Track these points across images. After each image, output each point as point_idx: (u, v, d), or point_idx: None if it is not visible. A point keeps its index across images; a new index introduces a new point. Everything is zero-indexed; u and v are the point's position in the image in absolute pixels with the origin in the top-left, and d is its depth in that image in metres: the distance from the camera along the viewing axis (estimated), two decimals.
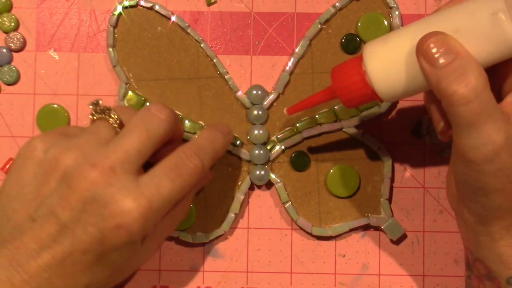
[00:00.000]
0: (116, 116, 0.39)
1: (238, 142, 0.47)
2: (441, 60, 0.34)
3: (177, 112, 0.46)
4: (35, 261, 0.35)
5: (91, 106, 0.40)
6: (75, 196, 0.36)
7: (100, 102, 0.40)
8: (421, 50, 0.35)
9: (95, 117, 0.40)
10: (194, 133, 0.46)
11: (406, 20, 0.47)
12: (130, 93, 0.46)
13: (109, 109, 0.40)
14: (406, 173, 0.47)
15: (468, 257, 0.40)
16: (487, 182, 0.35)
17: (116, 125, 0.39)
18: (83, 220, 0.36)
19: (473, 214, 0.38)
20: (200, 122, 0.47)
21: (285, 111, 0.43)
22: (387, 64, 0.37)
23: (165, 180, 0.38)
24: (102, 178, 0.36)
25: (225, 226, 0.46)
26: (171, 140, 0.41)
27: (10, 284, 0.35)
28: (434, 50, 0.34)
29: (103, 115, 0.39)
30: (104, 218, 0.36)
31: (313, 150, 0.47)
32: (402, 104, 0.47)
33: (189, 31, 0.47)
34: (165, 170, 0.38)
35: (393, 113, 0.47)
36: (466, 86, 0.34)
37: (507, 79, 0.37)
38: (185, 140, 0.45)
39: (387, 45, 0.37)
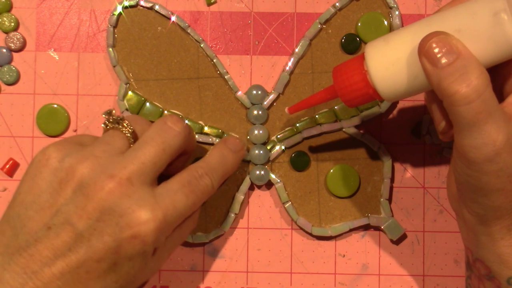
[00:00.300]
0: (129, 127, 0.40)
1: None
2: (443, 60, 0.34)
3: (177, 112, 0.46)
4: (49, 269, 0.35)
5: (104, 116, 0.41)
6: (92, 205, 0.36)
7: (114, 111, 0.41)
8: (423, 50, 0.35)
9: (108, 127, 0.40)
10: (195, 134, 0.46)
11: (406, 20, 0.47)
12: (130, 93, 0.46)
13: (122, 119, 0.40)
14: (406, 173, 0.47)
15: (469, 257, 0.40)
16: (487, 182, 0.35)
17: (129, 135, 0.40)
18: (99, 229, 0.36)
19: (473, 214, 0.38)
20: (200, 122, 0.47)
21: (286, 110, 0.43)
22: (389, 64, 0.37)
23: (180, 194, 0.39)
24: (119, 189, 0.37)
25: (225, 226, 0.46)
26: (184, 152, 0.42)
27: None
28: (436, 50, 0.34)
29: (117, 125, 0.40)
30: (120, 228, 0.36)
31: (313, 150, 0.47)
32: (402, 104, 0.47)
33: (189, 31, 0.47)
34: (180, 186, 0.39)
35: (393, 113, 0.47)
36: (468, 86, 0.34)
37: (508, 79, 0.37)
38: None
39: (389, 45, 0.37)
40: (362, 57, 0.38)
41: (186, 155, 0.43)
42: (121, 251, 0.36)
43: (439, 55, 0.34)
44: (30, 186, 0.38)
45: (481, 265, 0.39)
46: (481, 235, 0.38)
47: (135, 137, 0.40)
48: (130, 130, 0.40)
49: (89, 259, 0.36)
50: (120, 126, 0.40)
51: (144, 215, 0.37)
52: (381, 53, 0.37)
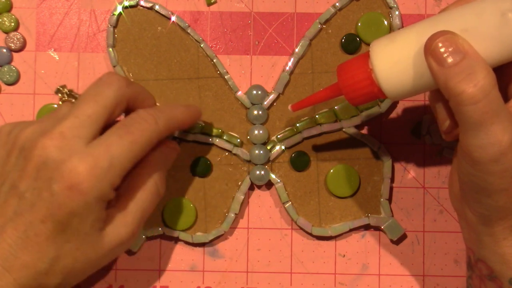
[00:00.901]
0: (78, 96, 0.40)
1: (238, 141, 0.47)
2: (450, 60, 0.34)
3: None
4: (1, 236, 0.36)
5: (57, 93, 0.41)
6: (30, 165, 0.37)
7: (65, 87, 0.41)
8: (429, 49, 0.35)
9: (63, 100, 0.41)
10: (194, 133, 0.46)
11: (406, 20, 0.47)
12: None
13: (71, 90, 0.41)
14: (406, 173, 0.47)
15: (470, 257, 0.40)
16: (492, 182, 0.35)
17: None
18: (38, 187, 0.36)
19: (476, 214, 0.38)
20: (200, 122, 0.47)
21: (289, 107, 0.42)
22: (395, 62, 0.37)
23: (113, 137, 0.38)
24: (52, 143, 0.37)
25: (225, 226, 0.46)
26: (136, 105, 0.41)
27: None
28: (442, 50, 0.34)
29: (68, 98, 0.41)
30: (55, 181, 0.36)
31: (313, 150, 0.47)
32: (402, 104, 0.47)
33: (189, 31, 0.47)
34: (114, 129, 0.39)
35: (393, 113, 0.47)
36: (475, 86, 0.34)
37: (506, 77, 0.37)
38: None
39: (395, 43, 0.37)
40: (367, 56, 0.38)
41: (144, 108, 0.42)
42: (62, 206, 0.36)
43: (445, 55, 0.34)
44: None
45: (483, 265, 0.39)
46: (483, 235, 0.38)
47: None
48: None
49: (34, 219, 0.36)
50: (71, 98, 0.41)
51: (74, 163, 0.36)
52: (386, 51, 0.37)
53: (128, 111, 0.41)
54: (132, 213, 0.40)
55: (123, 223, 0.40)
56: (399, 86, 0.37)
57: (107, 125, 0.39)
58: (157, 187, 0.41)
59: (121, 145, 0.38)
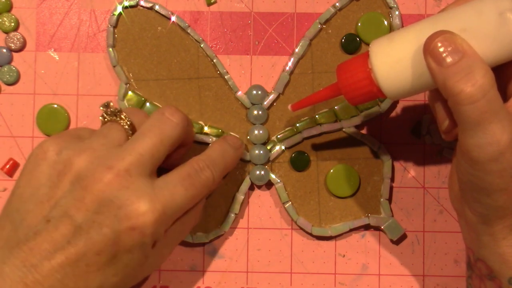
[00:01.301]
0: (127, 119, 0.40)
1: None
2: (448, 59, 0.34)
3: None
4: (49, 262, 0.35)
5: (102, 108, 0.40)
6: (90, 197, 0.36)
7: (111, 104, 0.41)
8: (428, 48, 0.35)
9: (106, 119, 0.40)
10: (195, 133, 0.46)
11: (406, 20, 0.47)
12: (130, 93, 0.46)
13: (120, 111, 0.40)
14: (406, 173, 0.47)
15: (470, 257, 0.40)
16: (491, 182, 0.35)
17: (127, 128, 0.40)
18: (98, 221, 0.36)
19: (475, 214, 0.38)
20: (200, 122, 0.47)
21: (289, 107, 0.42)
22: (394, 62, 0.37)
23: (179, 187, 0.38)
24: (117, 180, 0.37)
25: (225, 226, 0.46)
26: (183, 144, 0.42)
27: (22, 284, 0.35)
28: (441, 49, 0.34)
29: (114, 118, 0.40)
30: (119, 219, 0.36)
31: (313, 150, 0.47)
32: (402, 104, 0.47)
33: (189, 31, 0.47)
34: (179, 178, 0.39)
35: (393, 113, 0.47)
36: (473, 85, 0.34)
37: (505, 77, 0.37)
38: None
39: (394, 43, 0.37)
40: (367, 55, 0.38)
41: (185, 147, 0.43)
42: (120, 243, 0.36)
43: (444, 54, 0.34)
44: (28, 179, 0.38)
45: (482, 265, 0.39)
46: (483, 235, 0.38)
47: (133, 129, 0.40)
48: (128, 122, 0.40)
49: (88, 251, 0.36)
50: (118, 119, 0.40)
51: (143, 206, 0.37)
52: (386, 51, 0.37)
53: None
54: (170, 245, 0.41)
55: (161, 254, 0.41)
56: (398, 85, 0.37)
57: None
58: (196, 220, 0.43)
59: (185, 197, 0.39)
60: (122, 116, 0.40)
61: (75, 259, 0.36)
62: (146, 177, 0.38)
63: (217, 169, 0.41)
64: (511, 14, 0.34)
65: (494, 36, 0.35)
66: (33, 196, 0.38)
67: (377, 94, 0.38)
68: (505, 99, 0.36)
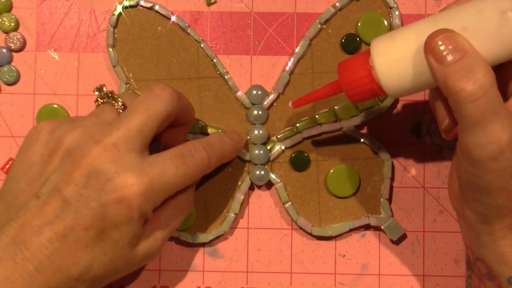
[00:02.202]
0: (120, 100, 0.40)
1: None
2: (449, 58, 0.34)
3: None
4: (37, 238, 0.36)
5: (96, 92, 0.41)
6: (79, 171, 0.37)
7: (104, 87, 0.41)
8: (429, 47, 0.35)
9: (99, 102, 0.41)
10: (194, 133, 0.46)
11: (406, 20, 0.47)
12: None
13: (112, 92, 0.41)
14: (406, 173, 0.47)
15: (469, 256, 0.40)
16: (491, 181, 0.35)
17: (120, 109, 0.40)
18: (86, 195, 0.36)
19: (475, 213, 0.38)
20: (200, 122, 0.47)
21: (290, 104, 0.43)
22: (394, 60, 0.37)
23: (169, 163, 0.39)
24: (104, 154, 0.37)
25: (225, 226, 0.46)
26: (181, 122, 0.42)
27: (12, 262, 0.35)
28: (442, 48, 0.35)
29: (108, 100, 0.41)
30: (106, 192, 0.36)
31: (313, 150, 0.47)
32: (402, 104, 0.47)
33: (189, 31, 0.47)
34: (171, 156, 0.39)
35: (393, 113, 0.47)
36: (474, 83, 0.34)
37: (506, 77, 0.37)
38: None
39: (395, 41, 0.37)
40: (368, 53, 0.38)
41: (183, 126, 0.43)
42: (107, 217, 0.36)
43: (445, 53, 0.34)
44: (22, 160, 0.39)
45: (482, 264, 0.39)
46: (482, 234, 0.38)
47: (125, 110, 0.40)
48: (119, 103, 0.40)
49: (76, 226, 0.36)
50: (111, 100, 0.40)
51: (130, 179, 0.37)
52: (386, 49, 0.37)
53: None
54: (163, 229, 0.41)
55: (154, 239, 0.40)
56: (399, 83, 0.37)
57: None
58: (189, 206, 0.42)
59: (175, 174, 0.39)
60: (115, 97, 0.40)
61: (63, 234, 0.36)
62: (135, 152, 0.38)
63: (213, 152, 0.41)
64: None
65: (495, 35, 0.35)
66: (25, 176, 0.38)
67: (378, 92, 0.38)
68: (505, 98, 0.37)
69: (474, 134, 0.34)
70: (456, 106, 0.35)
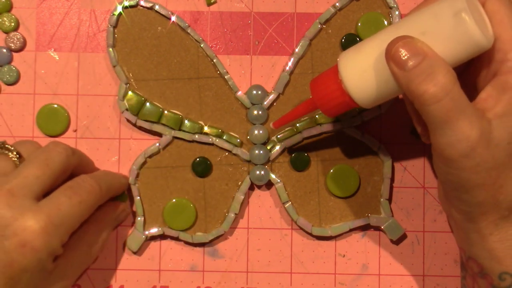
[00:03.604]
0: (14, 151, 0.41)
1: (238, 141, 0.47)
2: (410, 63, 0.35)
3: (177, 112, 0.46)
4: None
5: None
6: None
7: None
8: (390, 54, 0.36)
9: None
10: (194, 133, 0.46)
11: None
12: (130, 93, 0.47)
13: (4, 143, 0.41)
14: (406, 173, 0.47)
15: (462, 256, 0.41)
16: (467, 179, 0.36)
17: (15, 159, 0.41)
18: None
19: (460, 212, 0.39)
20: (200, 122, 0.47)
21: (271, 125, 0.44)
22: (361, 71, 0.38)
23: (62, 197, 0.40)
24: (1, 200, 0.38)
25: (225, 226, 0.46)
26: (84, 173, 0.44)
27: None
28: (402, 54, 0.35)
29: (1, 150, 0.41)
30: (7, 238, 0.37)
31: (313, 150, 0.47)
32: (402, 104, 0.47)
33: (189, 31, 0.47)
34: (61, 190, 0.40)
35: (393, 113, 0.47)
36: (435, 85, 0.35)
37: (479, 75, 0.38)
38: None
39: (360, 53, 0.38)
40: (336, 68, 0.39)
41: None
42: (14, 263, 0.37)
43: (405, 58, 0.35)
44: None
45: (473, 263, 0.39)
46: (470, 233, 0.38)
47: (21, 159, 0.41)
48: (15, 153, 0.41)
49: None
50: (5, 151, 0.41)
51: (28, 220, 0.37)
52: (353, 61, 0.38)
53: (71, 176, 0.43)
54: (73, 265, 0.42)
55: (64, 275, 0.41)
56: (368, 93, 0.38)
57: (51, 191, 0.41)
58: (101, 242, 0.44)
59: (70, 204, 0.40)
60: (9, 147, 0.41)
61: None
62: (31, 197, 0.39)
63: (101, 181, 0.43)
64: (465, 14, 0.35)
65: (451, 36, 0.35)
66: None
67: (350, 103, 0.39)
68: (476, 94, 0.37)
69: (443, 135, 0.35)
70: (422, 109, 0.35)
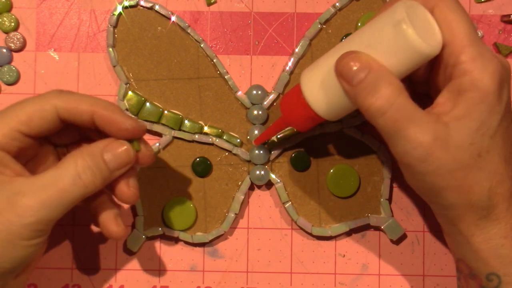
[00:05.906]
0: None
1: (238, 141, 0.47)
2: (356, 78, 0.36)
3: (177, 112, 0.47)
4: None
5: None
6: None
7: None
8: (338, 70, 0.37)
9: None
10: (194, 133, 0.46)
11: None
12: (130, 93, 0.47)
13: None
14: None
15: (454, 258, 0.41)
16: (432, 182, 0.37)
17: None
18: None
19: (439, 216, 0.40)
20: (200, 122, 0.47)
21: (253, 142, 0.46)
22: (319, 86, 0.39)
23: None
24: None
25: (225, 226, 0.47)
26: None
27: None
28: (348, 69, 0.36)
29: None
30: None
31: (313, 150, 0.47)
32: None
33: (189, 31, 0.47)
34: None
35: None
36: (379, 98, 0.35)
37: (439, 80, 0.39)
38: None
39: (317, 68, 0.39)
40: (299, 85, 0.40)
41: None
42: None
43: (351, 74, 0.36)
44: None
45: (463, 265, 0.40)
46: (456, 236, 0.39)
47: None
48: None
49: None
50: None
51: None
52: (311, 77, 0.39)
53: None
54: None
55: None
56: (328, 107, 0.39)
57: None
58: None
59: None
60: None
61: None
62: None
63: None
64: (405, 24, 0.35)
65: (394, 47, 0.36)
66: None
67: (317, 118, 0.40)
68: (439, 91, 0.38)
69: (398, 144, 0.36)
70: (371, 122, 0.36)
